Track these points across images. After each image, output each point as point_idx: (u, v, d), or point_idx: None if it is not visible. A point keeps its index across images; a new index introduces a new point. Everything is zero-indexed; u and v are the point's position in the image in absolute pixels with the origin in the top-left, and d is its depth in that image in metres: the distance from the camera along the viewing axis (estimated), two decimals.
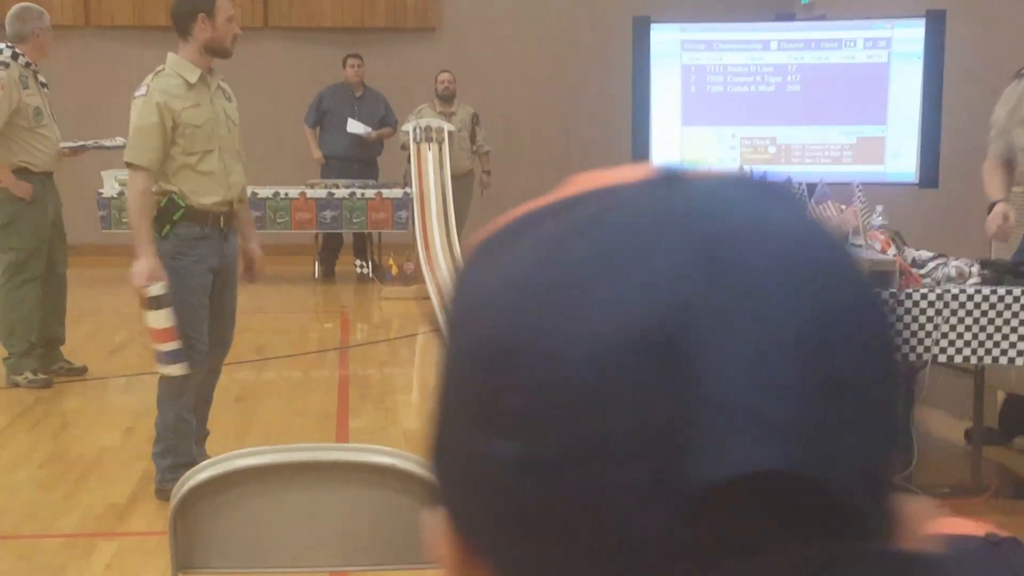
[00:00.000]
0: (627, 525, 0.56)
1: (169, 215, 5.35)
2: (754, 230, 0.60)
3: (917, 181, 9.74)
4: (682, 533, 0.56)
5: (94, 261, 12.43)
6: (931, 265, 5.48)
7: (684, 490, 0.55)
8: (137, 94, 5.40)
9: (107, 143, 8.84)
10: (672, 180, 0.63)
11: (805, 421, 0.57)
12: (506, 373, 0.59)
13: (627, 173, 0.66)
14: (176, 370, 5.36)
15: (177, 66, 5.43)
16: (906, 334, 5.30)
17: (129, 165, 5.35)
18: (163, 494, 5.46)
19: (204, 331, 5.53)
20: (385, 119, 12.79)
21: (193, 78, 5.42)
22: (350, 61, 12.78)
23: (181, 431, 5.51)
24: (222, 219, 5.51)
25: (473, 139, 12.64)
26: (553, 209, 0.65)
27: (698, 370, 0.56)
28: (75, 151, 8.49)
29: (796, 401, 0.57)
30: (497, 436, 0.59)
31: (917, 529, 0.61)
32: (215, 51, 5.47)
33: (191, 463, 5.49)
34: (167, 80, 5.39)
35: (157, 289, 5.25)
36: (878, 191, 10.42)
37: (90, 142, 8.69)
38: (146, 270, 5.26)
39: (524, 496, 0.58)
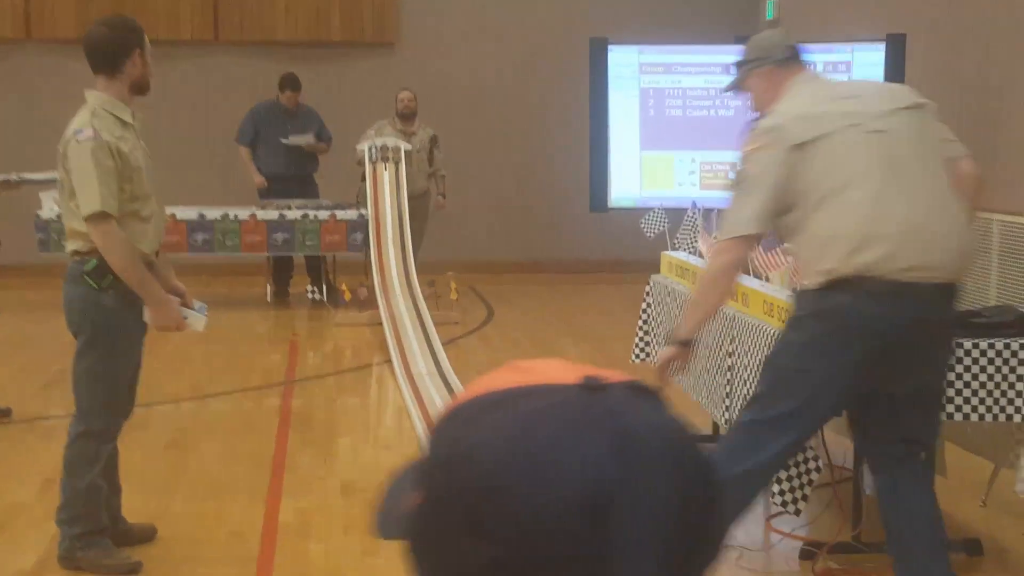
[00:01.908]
0: None
1: (108, 266, 5.02)
2: (648, 428, 0.94)
3: None
4: None
5: (33, 283, 12.15)
6: None
7: None
8: (82, 137, 4.94)
9: (35, 177, 8.43)
10: (594, 388, 0.95)
11: (669, 555, 0.92)
12: (491, 504, 0.91)
13: (559, 373, 0.98)
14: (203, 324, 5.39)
15: (108, 105, 5.06)
16: None
17: (98, 217, 4.89)
18: (69, 562, 5.19)
19: (124, 401, 5.28)
20: (320, 135, 12.51)
21: (128, 117, 5.10)
22: (288, 93, 12.45)
23: (92, 499, 5.22)
24: (152, 268, 5.21)
25: (431, 161, 12.40)
26: (510, 395, 0.96)
27: (614, 527, 0.90)
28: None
29: (668, 543, 0.92)
30: (480, 541, 0.92)
31: None
32: (141, 89, 5.15)
33: (103, 530, 5.26)
34: (105, 121, 5.04)
35: (195, 322, 5.30)
36: None
37: (13, 176, 8.25)
38: (168, 317, 5.13)
39: None
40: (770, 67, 4.53)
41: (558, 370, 0.98)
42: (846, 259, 4.10)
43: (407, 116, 12.26)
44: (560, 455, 0.90)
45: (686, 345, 4.56)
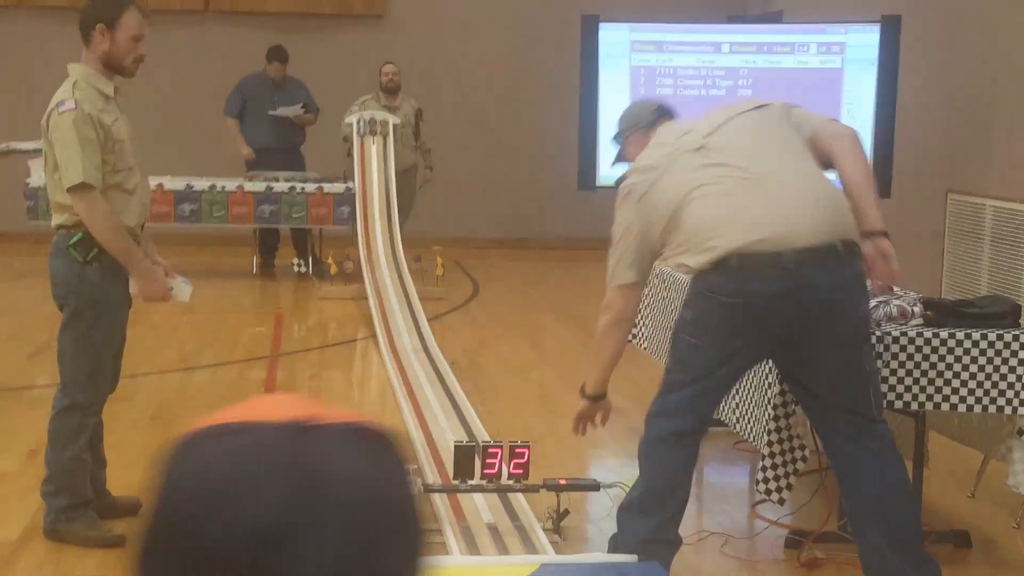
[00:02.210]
0: None
1: (93, 239, 4.97)
2: (339, 477, 0.98)
3: None
4: None
5: (22, 251, 12.07)
6: (873, 303, 5.22)
7: None
8: (64, 109, 4.91)
9: (23, 146, 8.35)
10: (302, 429, 1.00)
11: None
12: (168, 533, 0.98)
13: (280, 410, 1.02)
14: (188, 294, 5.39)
15: (91, 78, 5.01)
16: None
17: (81, 188, 4.86)
18: (54, 535, 5.17)
19: (108, 375, 5.24)
20: (307, 107, 12.44)
21: (109, 91, 5.06)
22: (275, 65, 12.39)
23: (77, 471, 5.19)
24: (137, 242, 5.17)
25: (416, 135, 12.34)
26: (225, 430, 1.01)
27: (291, 560, 0.95)
28: None
29: None
30: (163, 567, 0.98)
31: None
32: (113, 67, 5.07)
33: (87, 503, 5.23)
34: (86, 93, 4.99)
35: (180, 292, 5.31)
36: None
37: (1, 145, 8.18)
38: (154, 287, 5.15)
39: None
40: (639, 133, 4.84)
41: (281, 407, 1.02)
42: (718, 244, 4.33)
43: (391, 90, 12.18)
44: (237, 495, 0.95)
45: (597, 399, 4.92)
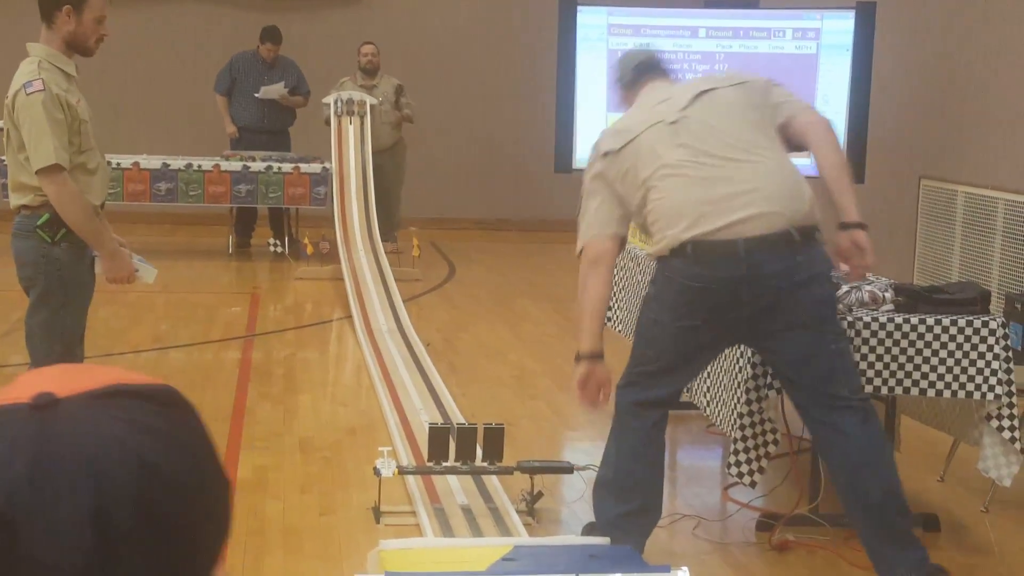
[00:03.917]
0: None
1: (61, 220, 4.98)
2: (72, 448, 0.96)
3: None
4: None
5: None
6: (844, 288, 5.27)
7: None
8: (32, 90, 4.86)
9: None
10: (41, 406, 0.99)
11: (89, 566, 0.94)
12: None
13: (22, 390, 1.00)
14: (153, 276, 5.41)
15: (52, 58, 4.99)
16: None
17: (52, 169, 4.83)
18: None
19: (79, 354, 5.23)
20: (297, 88, 12.44)
21: (71, 70, 5.04)
22: (268, 45, 12.38)
23: None
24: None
25: (397, 107, 12.23)
26: None
27: (23, 549, 0.94)
28: None
29: (86, 555, 0.94)
30: None
31: None
32: (76, 48, 5.03)
33: None
34: (51, 74, 4.97)
35: (146, 275, 5.33)
36: None
37: None
38: (121, 268, 5.14)
39: None
40: (622, 89, 4.96)
41: (25, 386, 1.01)
42: (674, 233, 4.42)
43: (370, 71, 12.17)
44: None
45: (593, 359, 4.60)
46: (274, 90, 12.21)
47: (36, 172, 4.87)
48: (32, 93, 4.87)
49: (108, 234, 5.09)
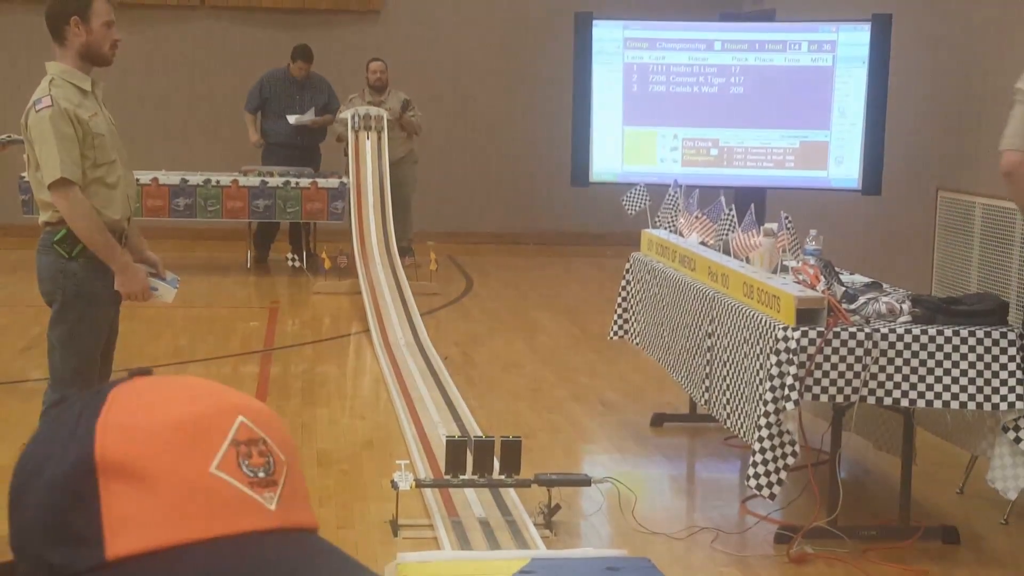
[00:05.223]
0: None
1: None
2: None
3: (860, 188, 9.58)
4: None
5: (16, 244, 12.07)
6: (862, 300, 5.27)
7: None
8: (41, 107, 4.90)
9: (22, 137, 8.37)
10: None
11: None
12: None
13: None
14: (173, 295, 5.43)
15: (66, 75, 5.02)
16: (834, 374, 5.09)
17: (60, 184, 4.86)
18: None
19: (96, 369, 5.25)
20: (328, 106, 12.46)
21: (87, 86, 5.06)
22: (299, 64, 12.41)
23: None
24: (123, 237, 5.20)
25: (401, 121, 12.15)
26: None
27: None
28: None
29: None
30: None
31: None
32: (92, 58, 5.07)
33: None
34: (63, 90, 5.01)
35: (164, 293, 5.31)
36: (820, 196, 10.26)
37: (4, 136, 8.24)
38: (134, 283, 5.12)
39: None
40: None
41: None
42: None
43: (378, 88, 12.18)
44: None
45: None
46: (306, 117, 12.23)
47: (47, 187, 4.91)
48: (41, 110, 4.92)
49: (119, 250, 5.08)
